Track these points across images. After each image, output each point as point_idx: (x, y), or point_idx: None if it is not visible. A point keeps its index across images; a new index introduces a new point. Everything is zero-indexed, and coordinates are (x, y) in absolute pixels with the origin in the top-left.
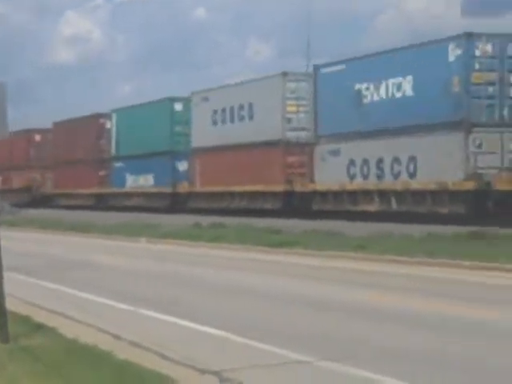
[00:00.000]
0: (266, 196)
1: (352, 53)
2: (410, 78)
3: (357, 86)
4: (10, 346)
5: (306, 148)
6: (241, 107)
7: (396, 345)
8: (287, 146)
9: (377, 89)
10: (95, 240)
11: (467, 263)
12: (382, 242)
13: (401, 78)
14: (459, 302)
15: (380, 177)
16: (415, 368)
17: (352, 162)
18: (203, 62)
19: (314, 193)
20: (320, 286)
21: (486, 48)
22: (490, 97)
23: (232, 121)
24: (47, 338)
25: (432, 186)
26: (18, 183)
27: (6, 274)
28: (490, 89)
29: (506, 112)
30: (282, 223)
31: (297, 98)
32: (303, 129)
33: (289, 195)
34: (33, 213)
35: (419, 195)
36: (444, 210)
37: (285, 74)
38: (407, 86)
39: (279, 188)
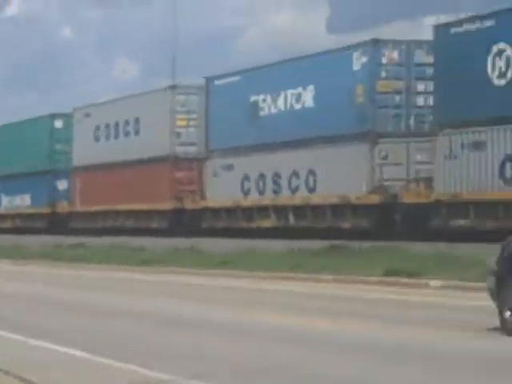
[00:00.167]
0: (153, 214)
1: (219, 70)
2: (311, 88)
3: (252, 98)
4: None
5: (195, 163)
6: (126, 122)
7: (258, 361)
8: (176, 162)
9: (274, 100)
10: None
11: (329, 277)
12: (246, 259)
13: (301, 89)
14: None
15: (277, 192)
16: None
17: (246, 177)
18: (68, 82)
19: (205, 210)
20: (173, 302)
21: (392, 55)
22: (397, 106)
23: (116, 137)
24: None
25: (333, 200)
26: None
27: None
28: (397, 98)
29: (412, 122)
30: (157, 242)
31: (187, 112)
32: (192, 143)
33: (178, 213)
34: None
35: (320, 210)
36: (346, 225)
37: (173, 87)
38: (308, 97)
39: (167, 206)
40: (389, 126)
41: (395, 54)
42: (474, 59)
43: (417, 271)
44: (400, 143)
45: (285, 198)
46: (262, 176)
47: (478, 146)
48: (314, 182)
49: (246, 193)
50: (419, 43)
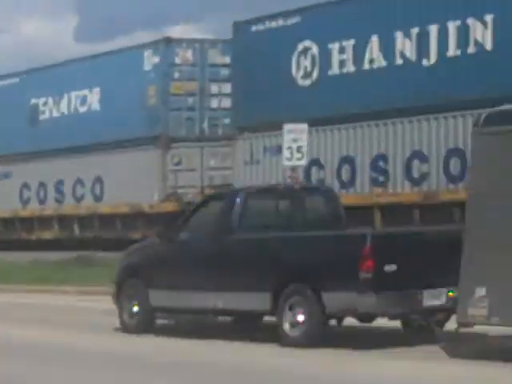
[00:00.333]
0: None
1: None
2: (97, 90)
3: (33, 101)
4: None
5: None
6: None
7: None
8: None
9: (57, 103)
10: None
11: (71, 288)
12: None
13: (86, 91)
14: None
15: (60, 201)
16: None
17: (26, 186)
18: None
19: None
20: None
21: (186, 55)
22: (190, 109)
23: None
24: None
25: (123, 209)
26: None
27: None
28: (190, 100)
29: (206, 125)
30: None
31: None
32: None
33: None
34: None
35: (108, 220)
36: (137, 235)
37: None
38: (94, 99)
39: None
40: (182, 130)
41: (189, 54)
42: (278, 58)
43: None
44: (194, 148)
45: (69, 207)
46: (42, 184)
47: (281, 149)
48: (101, 189)
49: (26, 202)
50: (214, 42)
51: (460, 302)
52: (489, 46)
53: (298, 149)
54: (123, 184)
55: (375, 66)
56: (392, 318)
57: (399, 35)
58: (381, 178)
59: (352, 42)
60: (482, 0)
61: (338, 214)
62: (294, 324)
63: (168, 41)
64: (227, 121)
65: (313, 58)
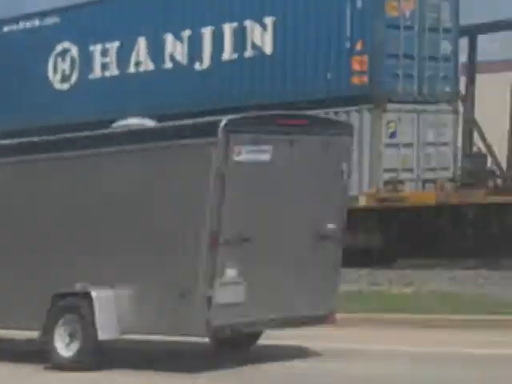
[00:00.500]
0: None
1: None
2: None
3: None
4: None
5: None
6: None
7: None
8: None
9: None
10: None
11: None
12: None
13: None
14: None
15: None
16: None
17: None
18: None
19: None
20: None
21: None
22: None
23: None
24: None
25: None
26: None
27: None
28: None
29: None
30: None
31: None
32: None
33: None
34: None
35: None
36: None
37: None
38: None
39: None
40: None
41: None
42: (32, 61)
43: None
44: None
45: None
46: None
47: None
48: None
49: None
50: None
51: None
52: (268, 49)
53: None
54: None
55: (141, 69)
56: None
57: (169, 38)
58: None
59: (116, 44)
60: (261, 2)
61: None
62: None
63: None
64: None
65: (72, 60)
